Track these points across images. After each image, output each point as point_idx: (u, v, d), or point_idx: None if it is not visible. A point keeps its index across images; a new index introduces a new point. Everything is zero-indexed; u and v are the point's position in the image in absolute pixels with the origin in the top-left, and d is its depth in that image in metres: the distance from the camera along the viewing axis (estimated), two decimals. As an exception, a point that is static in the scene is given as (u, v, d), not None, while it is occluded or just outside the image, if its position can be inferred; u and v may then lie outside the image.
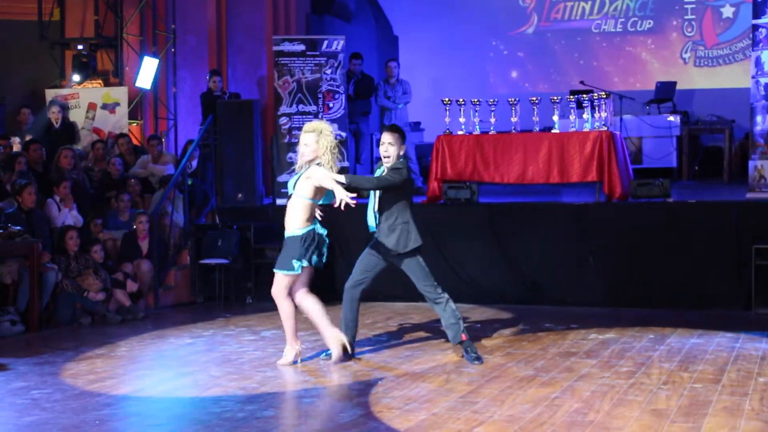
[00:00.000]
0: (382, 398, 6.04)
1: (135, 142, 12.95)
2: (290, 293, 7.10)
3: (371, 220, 7.25)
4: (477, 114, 10.85)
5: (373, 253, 7.26)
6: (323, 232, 7.10)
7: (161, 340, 8.57)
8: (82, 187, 10.94)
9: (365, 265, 7.29)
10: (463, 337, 7.16)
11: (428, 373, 6.80)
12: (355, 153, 12.99)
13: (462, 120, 10.88)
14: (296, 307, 7.13)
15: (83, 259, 9.71)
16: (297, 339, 7.20)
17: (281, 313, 7.12)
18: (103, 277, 9.72)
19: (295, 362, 7.18)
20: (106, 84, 13.30)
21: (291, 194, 7.05)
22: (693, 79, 15.90)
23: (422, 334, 8.41)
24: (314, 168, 6.95)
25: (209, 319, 9.74)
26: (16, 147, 11.49)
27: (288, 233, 7.00)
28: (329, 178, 6.81)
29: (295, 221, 6.98)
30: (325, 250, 7.13)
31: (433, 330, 8.39)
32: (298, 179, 7.02)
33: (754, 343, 7.72)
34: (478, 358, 7.09)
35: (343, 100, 12.21)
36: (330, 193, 6.96)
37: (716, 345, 7.65)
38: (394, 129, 7.22)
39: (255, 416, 5.64)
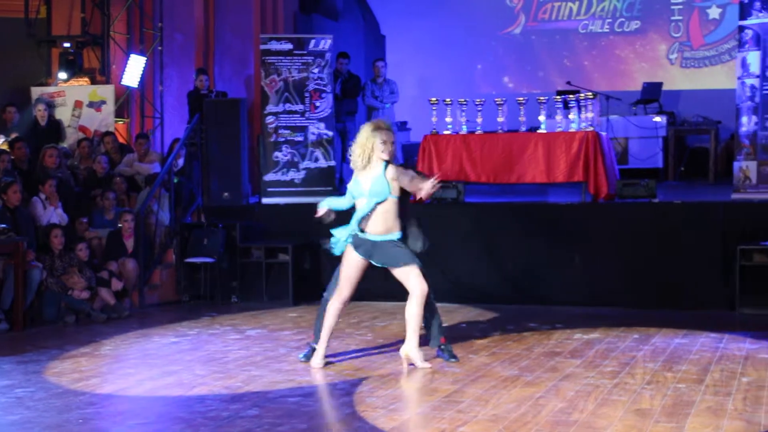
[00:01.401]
0: (366, 398, 6.04)
1: (121, 140, 12.90)
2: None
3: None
4: (464, 114, 10.87)
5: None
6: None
7: (146, 339, 8.55)
8: (67, 186, 10.90)
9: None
10: (442, 339, 7.19)
11: (413, 372, 6.80)
12: (342, 152, 12.96)
13: (449, 120, 10.90)
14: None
15: (68, 258, 9.67)
16: None
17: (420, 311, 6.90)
18: (88, 276, 9.69)
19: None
20: (93, 82, 13.23)
21: (381, 200, 6.79)
22: (679, 80, 15.92)
23: (408, 333, 8.40)
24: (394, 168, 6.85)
25: (194, 317, 9.72)
26: (1, 145, 11.44)
27: (393, 236, 6.87)
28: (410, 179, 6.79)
29: (396, 223, 6.89)
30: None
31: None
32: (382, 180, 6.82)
33: (738, 343, 7.75)
34: (454, 356, 7.16)
35: (330, 100, 12.20)
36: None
37: (700, 345, 7.67)
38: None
39: (239, 415, 5.64)
